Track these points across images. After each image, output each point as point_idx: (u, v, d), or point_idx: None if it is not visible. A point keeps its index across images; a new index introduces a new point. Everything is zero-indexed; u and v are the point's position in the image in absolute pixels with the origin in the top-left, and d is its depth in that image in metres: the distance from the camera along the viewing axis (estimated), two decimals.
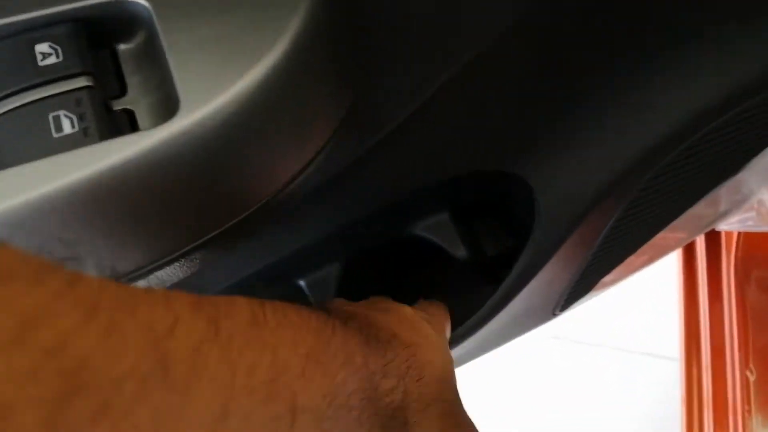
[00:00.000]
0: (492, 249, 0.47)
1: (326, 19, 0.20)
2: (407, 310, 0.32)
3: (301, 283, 0.42)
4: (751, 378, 0.76)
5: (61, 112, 0.17)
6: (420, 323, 0.31)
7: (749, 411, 0.75)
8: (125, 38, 0.19)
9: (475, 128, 0.34)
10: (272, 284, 0.42)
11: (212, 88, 0.17)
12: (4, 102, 0.17)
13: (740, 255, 0.78)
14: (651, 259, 0.57)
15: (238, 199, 0.20)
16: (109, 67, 0.19)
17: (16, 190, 0.16)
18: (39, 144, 0.17)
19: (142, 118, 0.19)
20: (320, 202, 0.37)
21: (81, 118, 0.17)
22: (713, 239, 0.80)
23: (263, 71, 0.18)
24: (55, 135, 0.17)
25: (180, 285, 0.36)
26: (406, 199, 0.40)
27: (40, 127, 0.17)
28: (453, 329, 0.45)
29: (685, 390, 0.80)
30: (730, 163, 0.43)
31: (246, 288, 0.40)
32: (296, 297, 0.42)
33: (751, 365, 0.76)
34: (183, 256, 0.21)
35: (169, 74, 0.18)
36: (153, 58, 0.19)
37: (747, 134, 0.40)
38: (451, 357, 0.33)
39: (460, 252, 0.43)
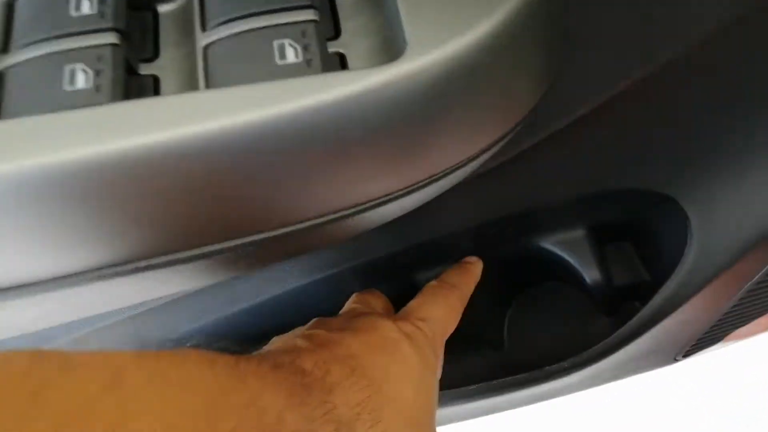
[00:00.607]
0: (620, 278, 0.44)
1: None
2: (388, 328, 0.27)
3: (418, 279, 0.41)
4: None
5: (286, 41, 0.16)
6: (398, 344, 0.27)
7: None
8: None
9: (645, 140, 0.32)
10: (387, 277, 0.41)
11: (441, 35, 0.16)
12: (230, 25, 0.17)
13: None
14: None
15: (419, 164, 0.19)
16: (326, 8, 0.19)
17: (236, 109, 0.15)
18: (261, 69, 0.16)
19: (353, 61, 0.18)
20: (458, 195, 0.35)
21: (305, 49, 0.16)
22: None
23: (493, 24, 0.16)
24: (278, 62, 0.16)
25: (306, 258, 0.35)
26: (545, 208, 0.38)
27: (263, 53, 0.16)
28: (560, 359, 0.42)
29: None
30: None
31: (361, 275, 0.39)
32: (409, 292, 0.41)
33: None
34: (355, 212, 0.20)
35: (395, 18, 0.17)
36: (374, 2, 0.18)
37: None
38: (434, 383, 0.28)
39: (592, 274, 0.40)
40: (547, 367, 0.38)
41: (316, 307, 0.38)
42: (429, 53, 0.16)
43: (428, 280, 0.41)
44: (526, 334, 0.48)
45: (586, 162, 0.33)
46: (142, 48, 0.18)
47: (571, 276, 0.42)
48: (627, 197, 0.37)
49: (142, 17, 0.18)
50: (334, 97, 0.15)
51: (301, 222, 0.18)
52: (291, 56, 0.16)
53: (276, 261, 0.21)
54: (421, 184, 0.19)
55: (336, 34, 0.18)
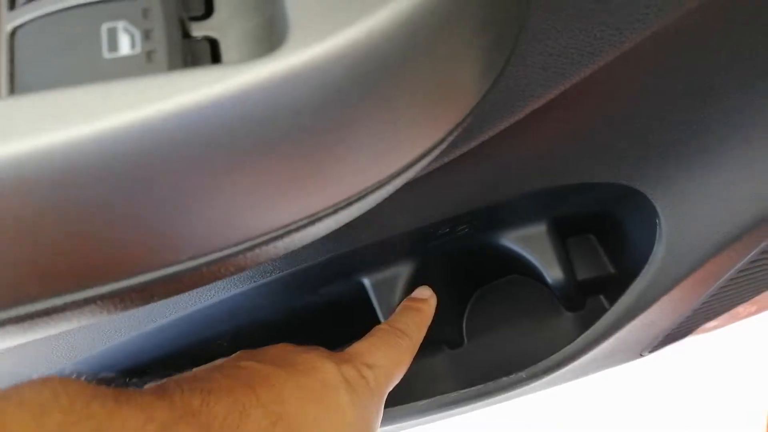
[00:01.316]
0: (584, 272, 0.41)
1: None
2: (329, 371, 0.24)
3: (365, 281, 0.37)
4: None
5: (120, 24, 0.12)
6: (336, 392, 0.23)
7: None
8: None
9: (611, 131, 0.28)
10: (333, 279, 0.37)
11: (337, 15, 0.12)
12: (44, 0, 0.12)
13: None
14: (760, 310, 0.49)
15: (311, 192, 0.15)
16: None
17: (40, 125, 0.10)
18: (82, 65, 0.11)
19: (228, 50, 0.13)
20: (408, 193, 0.31)
21: (146, 36, 0.12)
22: None
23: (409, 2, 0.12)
24: (106, 55, 0.11)
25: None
26: (501, 205, 0.34)
27: (86, 42, 0.12)
28: (520, 363, 0.39)
29: None
30: None
31: (303, 278, 0.34)
32: (356, 295, 0.37)
33: None
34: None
35: None
36: None
37: None
38: None
39: (554, 273, 0.37)
40: (504, 378, 0.35)
41: (241, 324, 0.33)
42: (315, 43, 0.11)
43: (379, 284, 0.38)
44: (486, 334, 0.44)
45: (546, 155, 0.29)
46: None
47: (533, 273, 0.39)
48: (592, 190, 0.33)
49: None
50: (177, 107, 0.11)
51: (152, 271, 0.13)
52: (125, 46, 0.11)
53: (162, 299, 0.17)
54: (324, 213, 0.14)
55: (207, 11, 0.14)
